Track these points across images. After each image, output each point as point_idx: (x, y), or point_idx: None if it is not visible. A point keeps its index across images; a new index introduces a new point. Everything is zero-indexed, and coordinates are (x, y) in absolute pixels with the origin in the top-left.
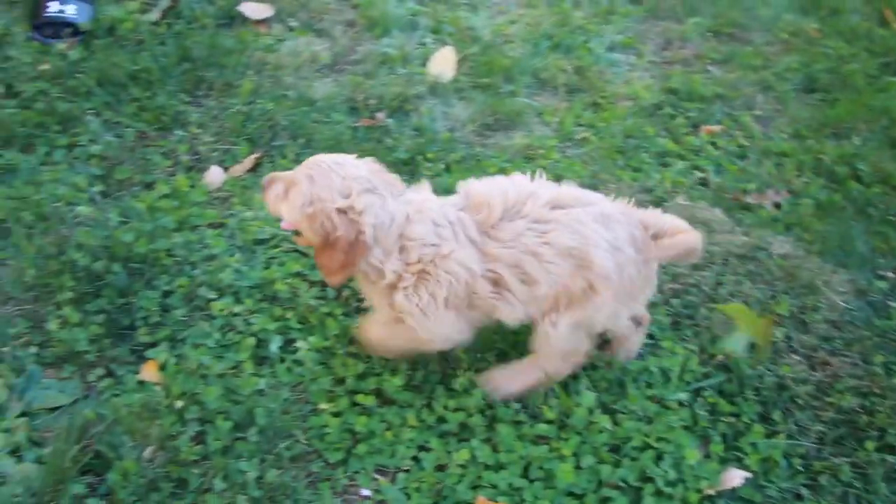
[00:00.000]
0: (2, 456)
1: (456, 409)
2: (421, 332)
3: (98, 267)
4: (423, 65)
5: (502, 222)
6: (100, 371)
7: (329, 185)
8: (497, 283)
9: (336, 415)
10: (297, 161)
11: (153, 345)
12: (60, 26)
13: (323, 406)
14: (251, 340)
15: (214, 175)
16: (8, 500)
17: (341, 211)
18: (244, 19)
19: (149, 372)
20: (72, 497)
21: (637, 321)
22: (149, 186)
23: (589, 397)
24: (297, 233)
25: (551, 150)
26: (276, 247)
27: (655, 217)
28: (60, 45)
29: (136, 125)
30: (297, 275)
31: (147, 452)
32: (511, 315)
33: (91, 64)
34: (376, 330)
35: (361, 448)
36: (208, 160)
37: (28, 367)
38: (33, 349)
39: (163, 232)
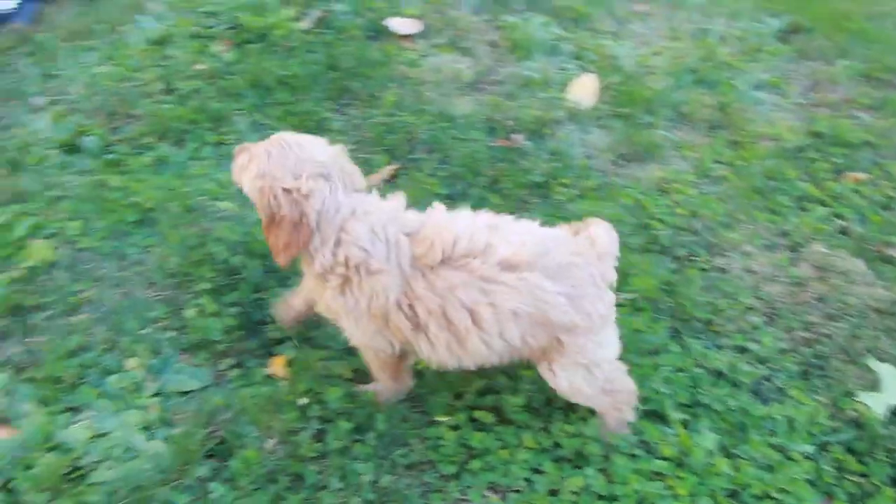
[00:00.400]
0: (135, 431)
1: (573, 436)
2: (346, 332)
3: (236, 261)
4: (563, 90)
5: (441, 267)
6: (230, 361)
7: (283, 164)
8: (414, 321)
9: (453, 428)
10: (434, 175)
11: (281, 341)
12: None
13: (441, 418)
14: None
15: None
16: (137, 473)
17: (287, 191)
18: (391, 33)
19: (276, 367)
20: (196, 478)
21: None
22: None
23: (709, 438)
24: None
25: (687, 186)
26: None
27: (594, 235)
28: (219, 47)
29: (281, 128)
30: None
31: (269, 444)
32: (435, 356)
33: (244, 66)
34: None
35: (475, 464)
36: None
37: (164, 350)
38: (171, 334)
39: None
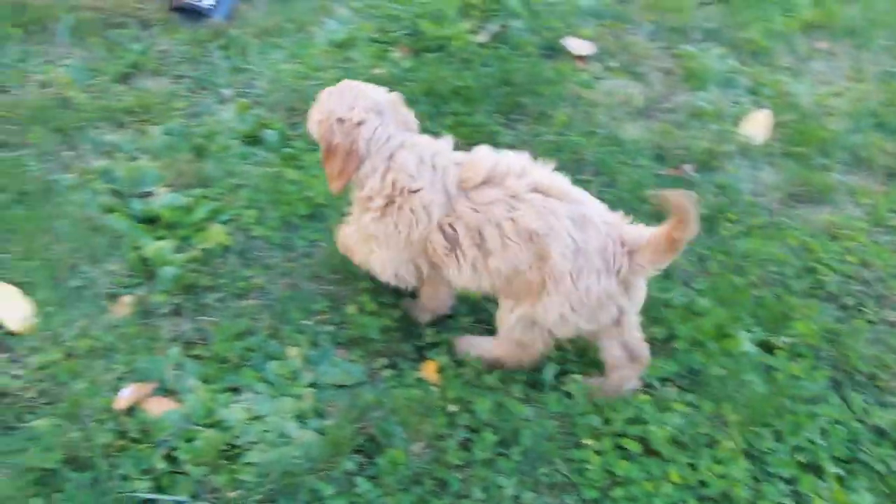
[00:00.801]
0: (289, 418)
1: (720, 476)
2: (375, 258)
3: None
4: (736, 124)
5: (482, 187)
6: (384, 361)
7: (341, 101)
8: (451, 239)
9: (598, 453)
10: (599, 198)
11: (434, 346)
12: (193, 14)
13: (587, 442)
14: None
15: None
16: (288, 460)
17: (341, 120)
18: (565, 53)
19: (428, 371)
20: (343, 471)
21: (632, 355)
22: None
23: (867, 499)
24: None
25: (859, 233)
26: None
27: (638, 231)
28: (397, 53)
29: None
30: None
31: (416, 447)
32: (457, 277)
33: (420, 74)
34: (346, 235)
35: (618, 492)
36: None
37: (323, 343)
38: (330, 327)
39: None
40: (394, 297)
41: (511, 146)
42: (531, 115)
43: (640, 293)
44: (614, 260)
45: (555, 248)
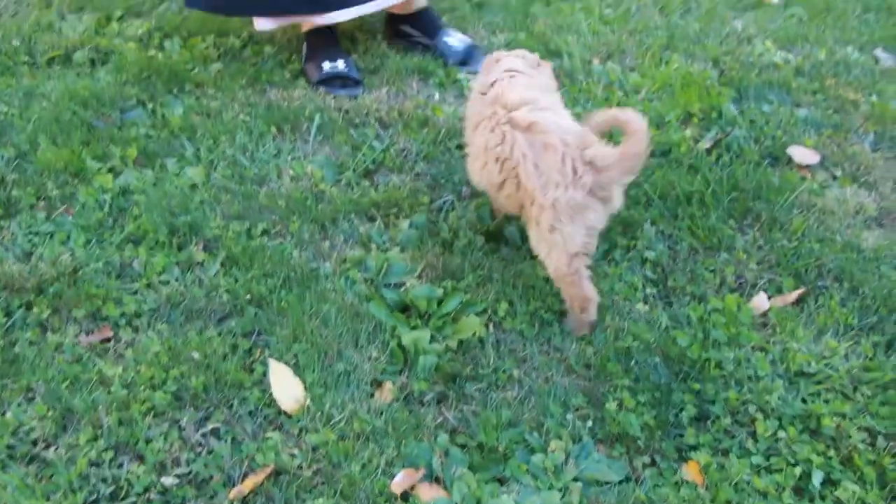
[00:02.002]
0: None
1: None
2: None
3: (648, 360)
4: None
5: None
6: (645, 459)
7: None
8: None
9: None
10: (842, 304)
11: (696, 447)
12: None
13: None
14: (797, 469)
15: (760, 301)
16: None
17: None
18: (788, 160)
19: (691, 471)
20: None
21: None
22: (698, 299)
23: None
24: None
25: None
26: (820, 382)
27: (606, 150)
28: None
29: (688, 240)
30: (844, 416)
31: None
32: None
33: (653, 178)
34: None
35: None
36: (754, 286)
37: (584, 437)
38: (589, 423)
39: (714, 344)
40: (649, 394)
41: (746, 250)
42: (763, 221)
43: (616, 202)
44: (575, 173)
45: (521, 172)
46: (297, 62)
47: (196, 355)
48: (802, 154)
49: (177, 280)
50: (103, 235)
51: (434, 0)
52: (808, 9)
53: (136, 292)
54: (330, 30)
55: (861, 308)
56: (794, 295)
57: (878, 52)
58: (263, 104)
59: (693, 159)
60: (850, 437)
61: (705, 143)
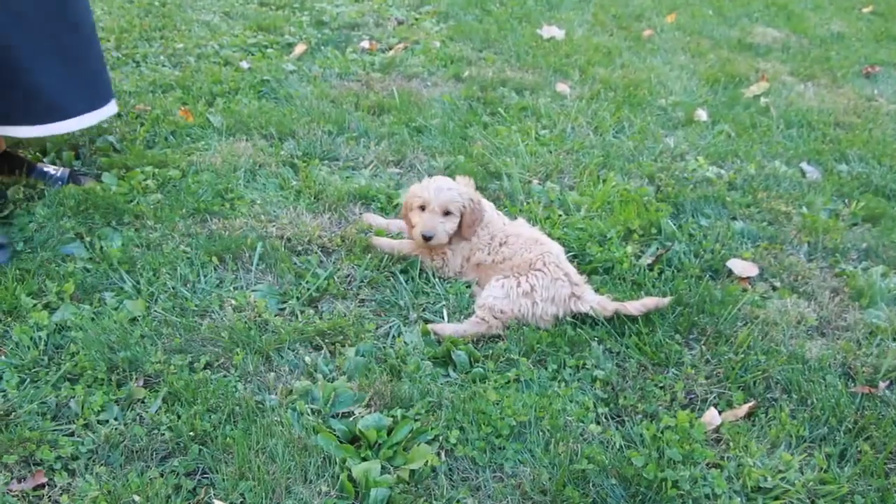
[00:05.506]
0: None
1: None
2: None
3: (604, 483)
4: None
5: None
6: None
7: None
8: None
9: None
10: (793, 416)
11: None
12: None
13: None
14: None
15: (712, 416)
16: None
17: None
18: (730, 273)
19: None
20: None
21: None
22: (650, 417)
23: None
24: None
25: None
26: (777, 498)
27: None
28: None
29: (636, 357)
30: None
31: None
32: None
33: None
34: None
35: None
36: (704, 400)
37: None
38: None
39: (669, 462)
40: None
41: (694, 365)
42: (709, 335)
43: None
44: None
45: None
46: (237, 190)
47: (137, 499)
48: (742, 266)
49: (116, 419)
50: (38, 374)
51: (374, 126)
52: (734, 126)
53: (72, 433)
54: None
55: (811, 419)
56: (745, 409)
57: (804, 166)
58: (204, 234)
59: (636, 275)
60: None
61: (647, 259)
